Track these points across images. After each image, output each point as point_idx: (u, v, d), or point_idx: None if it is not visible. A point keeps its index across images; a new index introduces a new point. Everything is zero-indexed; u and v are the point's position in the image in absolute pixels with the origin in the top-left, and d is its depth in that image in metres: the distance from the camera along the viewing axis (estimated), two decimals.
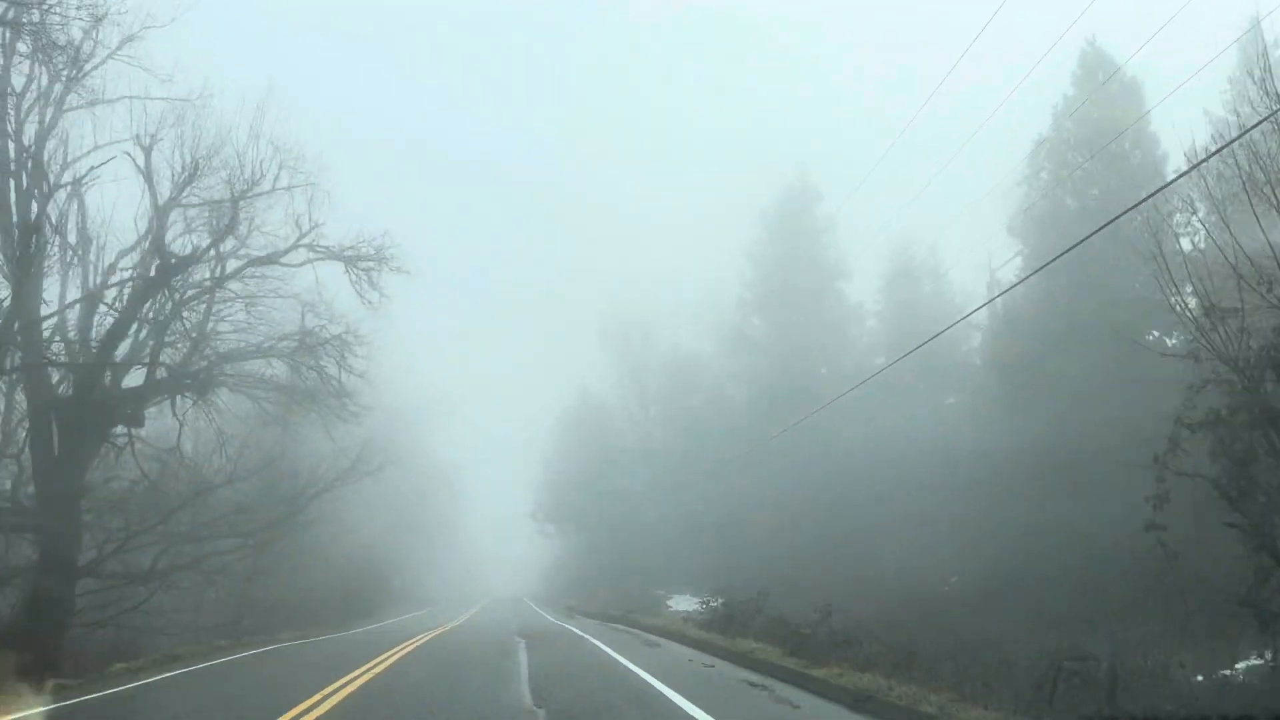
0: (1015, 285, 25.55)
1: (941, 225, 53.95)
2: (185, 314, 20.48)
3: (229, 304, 22.28)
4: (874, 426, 49.92)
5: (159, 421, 23.06)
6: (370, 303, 21.86)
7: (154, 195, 19.11)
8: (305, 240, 21.49)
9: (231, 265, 21.28)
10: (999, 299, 34.53)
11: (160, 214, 19.09)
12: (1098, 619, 30.33)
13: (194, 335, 20.77)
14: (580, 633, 21.98)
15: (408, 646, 17.38)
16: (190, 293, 20.78)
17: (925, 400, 46.98)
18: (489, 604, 54.10)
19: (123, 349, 19.28)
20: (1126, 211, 19.44)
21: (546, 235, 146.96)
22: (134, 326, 19.22)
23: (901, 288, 47.14)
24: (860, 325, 51.41)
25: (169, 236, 19.43)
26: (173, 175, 19.04)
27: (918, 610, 36.00)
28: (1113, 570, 29.86)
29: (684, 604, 49.08)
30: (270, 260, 21.44)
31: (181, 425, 21.73)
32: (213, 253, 20.35)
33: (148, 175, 18.89)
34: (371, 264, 21.52)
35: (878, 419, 50.19)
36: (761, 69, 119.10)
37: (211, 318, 22.05)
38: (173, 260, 18.63)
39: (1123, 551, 29.50)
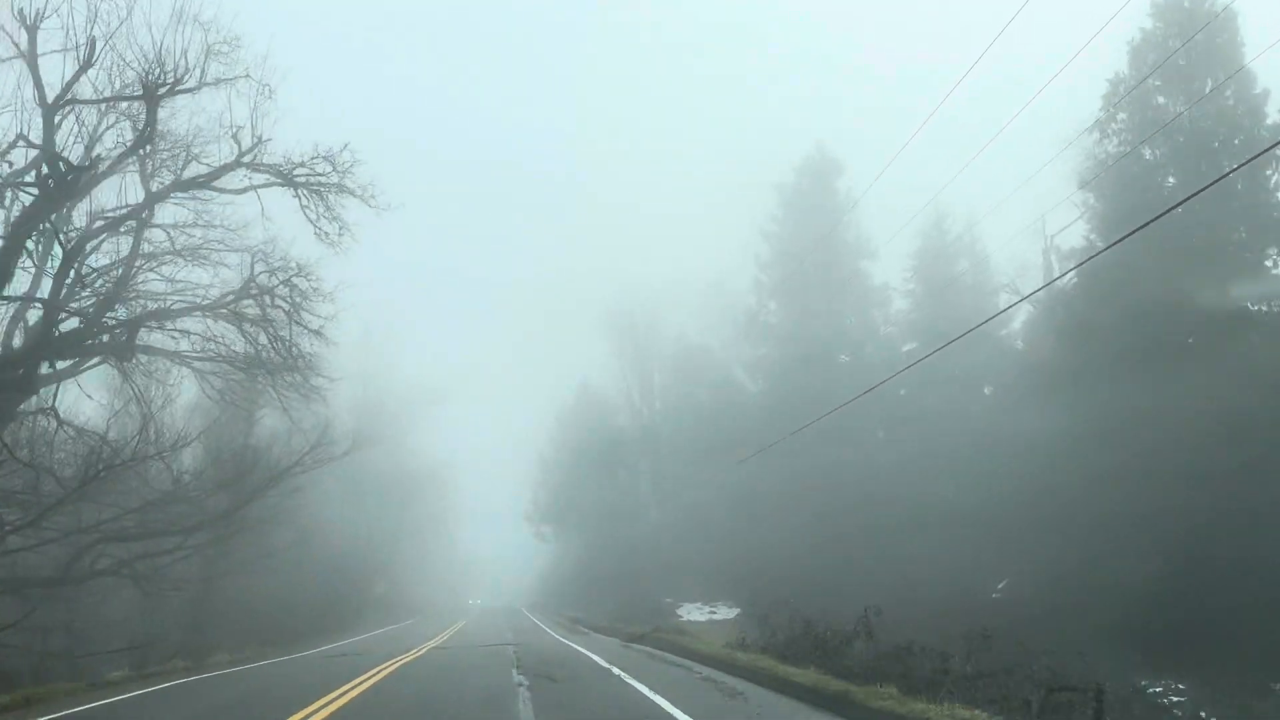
0: (1106, 250, 21.39)
1: (982, 195, 49.77)
2: (90, 252, 16.27)
3: (157, 258, 18.10)
4: (903, 418, 46.02)
5: (89, 402, 19.04)
6: (328, 237, 17.58)
7: (40, 89, 14.90)
8: (246, 158, 17.19)
9: (155, 189, 16.94)
10: (1063, 272, 30.48)
11: (48, 113, 14.86)
12: (1185, 639, 26.29)
13: (106, 283, 16.55)
14: (605, 664, 16.34)
15: (351, 690, 12.43)
16: (99, 224, 16.57)
17: (961, 390, 42.97)
18: (481, 615, 49.87)
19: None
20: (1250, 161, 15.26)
21: (547, 227, 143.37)
22: (19, 259, 14.90)
23: (934, 266, 43.12)
24: (886, 309, 47.35)
25: (63, 142, 15.14)
26: (64, 66, 14.76)
27: (962, 621, 31.27)
28: (1208, 579, 25.84)
29: (695, 613, 45.04)
30: (202, 183, 17.20)
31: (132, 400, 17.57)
32: (130, 167, 16.07)
33: (32, 62, 14.67)
34: (327, 185, 17.21)
35: (907, 410, 46.27)
36: (772, 60, 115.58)
37: (137, 265, 17.81)
38: (66, 175, 14.38)
39: (1223, 558, 25.53)
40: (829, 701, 9.85)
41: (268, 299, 17.42)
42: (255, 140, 16.82)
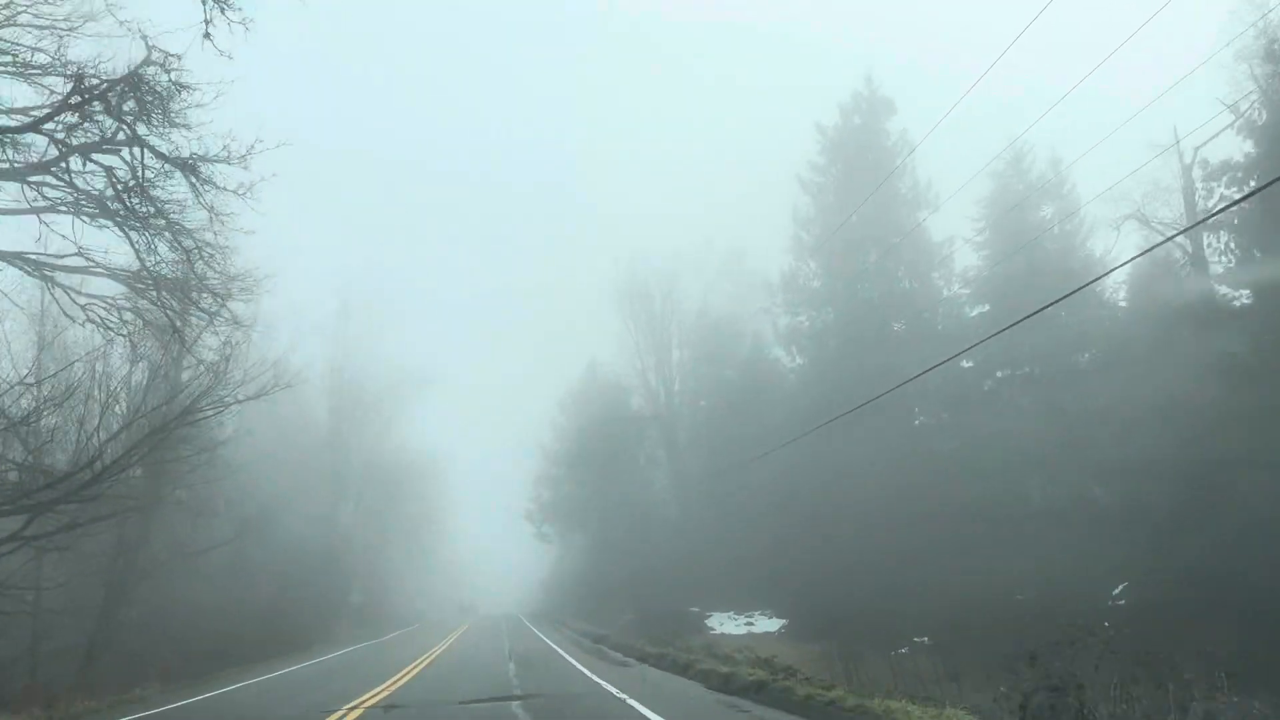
0: None
1: (1073, 125, 43.28)
2: None
3: None
4: (969, 398, 39.58)
5: None
6: None
7: None
8: None
9: None
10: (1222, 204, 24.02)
11: None
12: None
13: None
14: None
15: None
16: None
17: (1048, 361, 36.52)
18: (475, 628, 43.22)
19: None
20: None
21: (553, 195, 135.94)
22: None
23: (1010, 213, 36.63)
24: (948, 268, 40.92)
25: None
26: None
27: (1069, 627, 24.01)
28: None
29: (729, 624, 38.56)
30: None
31: None
32: None
33: None
34: None
35: (974, 388, 39.84)
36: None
37: None
38: None
39: None
40: None
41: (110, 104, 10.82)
42: None
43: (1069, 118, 33.75)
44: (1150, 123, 32.19)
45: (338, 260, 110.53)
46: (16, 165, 11.54)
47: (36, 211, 12.31)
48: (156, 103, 10.97)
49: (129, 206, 11.84)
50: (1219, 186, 25.55)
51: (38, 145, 11.65)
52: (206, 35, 9.74)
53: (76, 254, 12.95)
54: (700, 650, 27.23)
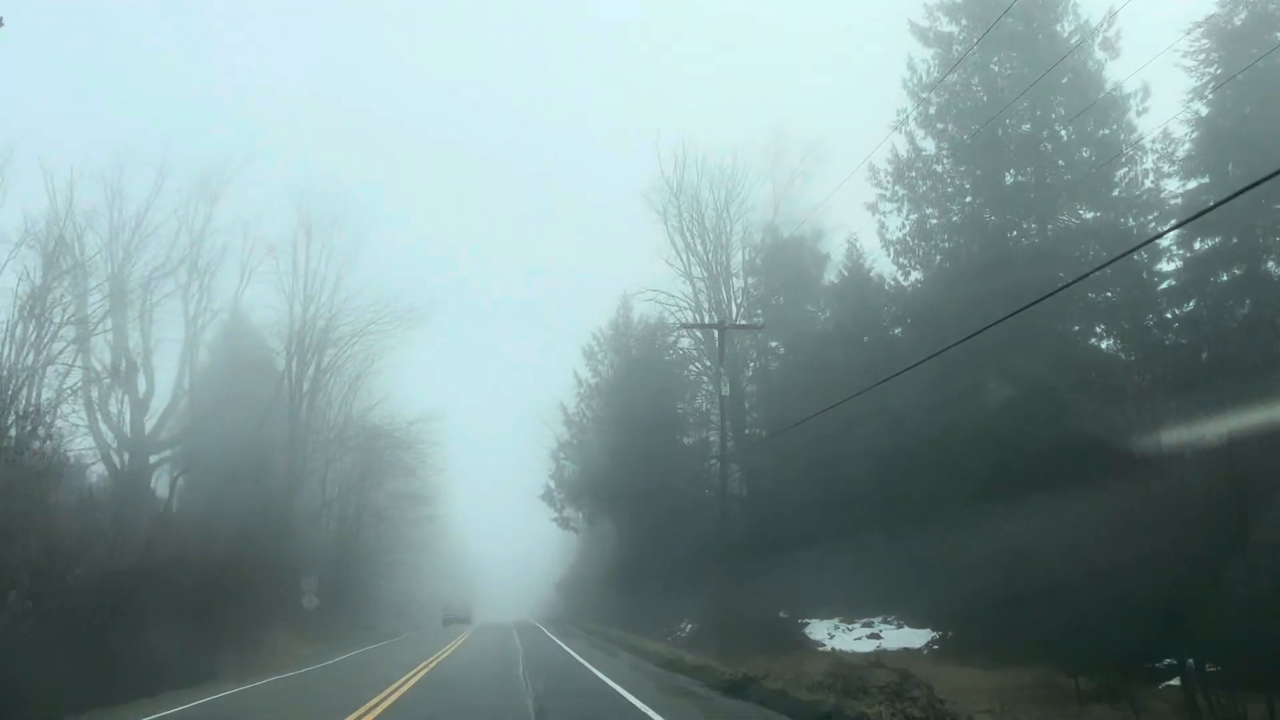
0: None
1: None
2: None
3: None
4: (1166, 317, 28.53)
5: None
6: None
7: None
8: None
9: None
10: None
11: None
12: None
13: None
14: None
15: None
16: None
17: None
18: (472, 646, 31.32)
19: None
20: None
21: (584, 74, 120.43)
22: None
23: (1245, 42, 25.47)
24: (1130, 132, 29.71)
25: None
26: None
27: None
28: None
29: (841, 636, 27.59)
30: None
31: None
32: None
33: None
34: None
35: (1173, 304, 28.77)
36: None
37: None
38: None
39: None
40: None
41: None
42: None
43: None
44: None
45: (301, 164, 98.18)
46: None
47: None
48: None
49: None
50: None
51: None
52: None
53: None
54: (833, 679, 16.61)
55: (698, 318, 39.21)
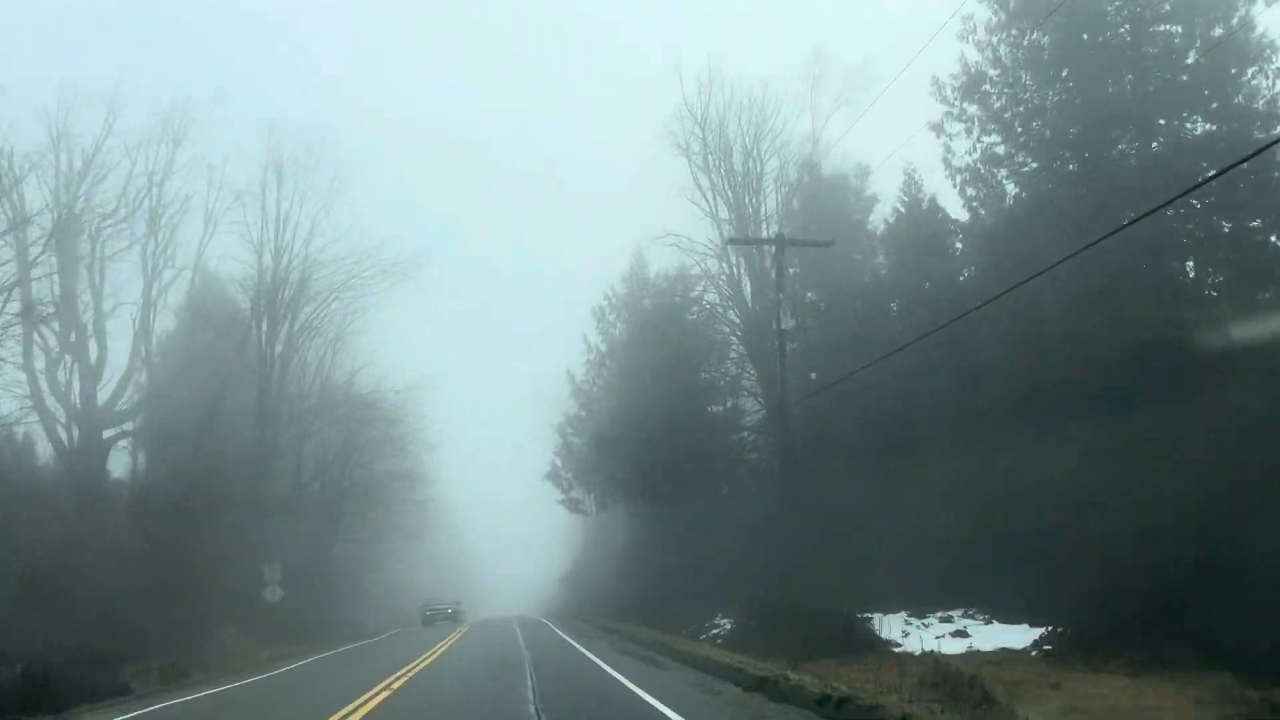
0: None
1: None
2: None
3: None
4: None
5: None
6: None
7: None
8: None
9: None
10: None
11: None
12: None
13: None
14: None
15: None
16: None
17: None
18: (458, 650, 25.96)
19: None
20: None
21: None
22: None
23: None
24: (1250, 31, 24.84)
25: None
26: None
27: None
28: None
29: (920, 635, 22.90)
30: None
31: None
32: None
33: None
34: None
35: None
36: None
37: None
38: None
39: None
40: None
41: None
42: None
43: None
44: None
45: (276, 104, 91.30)
46: None
47: None
48: None
49: None
50: None
51: None
52: None
53: None
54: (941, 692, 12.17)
55: (725, 268, 34.46)
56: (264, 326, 35.35)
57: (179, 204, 36.40)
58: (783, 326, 18.94)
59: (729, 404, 35.49)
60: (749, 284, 34.84)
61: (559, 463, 46.03)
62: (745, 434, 35.11)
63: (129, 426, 37.41)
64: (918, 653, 20.93)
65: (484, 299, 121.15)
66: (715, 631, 25.35)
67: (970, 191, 29.69)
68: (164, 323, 38.36)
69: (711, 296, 35.64)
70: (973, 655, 20.05)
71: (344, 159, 66.25)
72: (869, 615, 24.03)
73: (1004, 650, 20.07)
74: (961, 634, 21.85)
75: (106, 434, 37.04)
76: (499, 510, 76.44)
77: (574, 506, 46.70)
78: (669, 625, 29.12)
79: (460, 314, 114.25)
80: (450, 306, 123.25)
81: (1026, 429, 23.51)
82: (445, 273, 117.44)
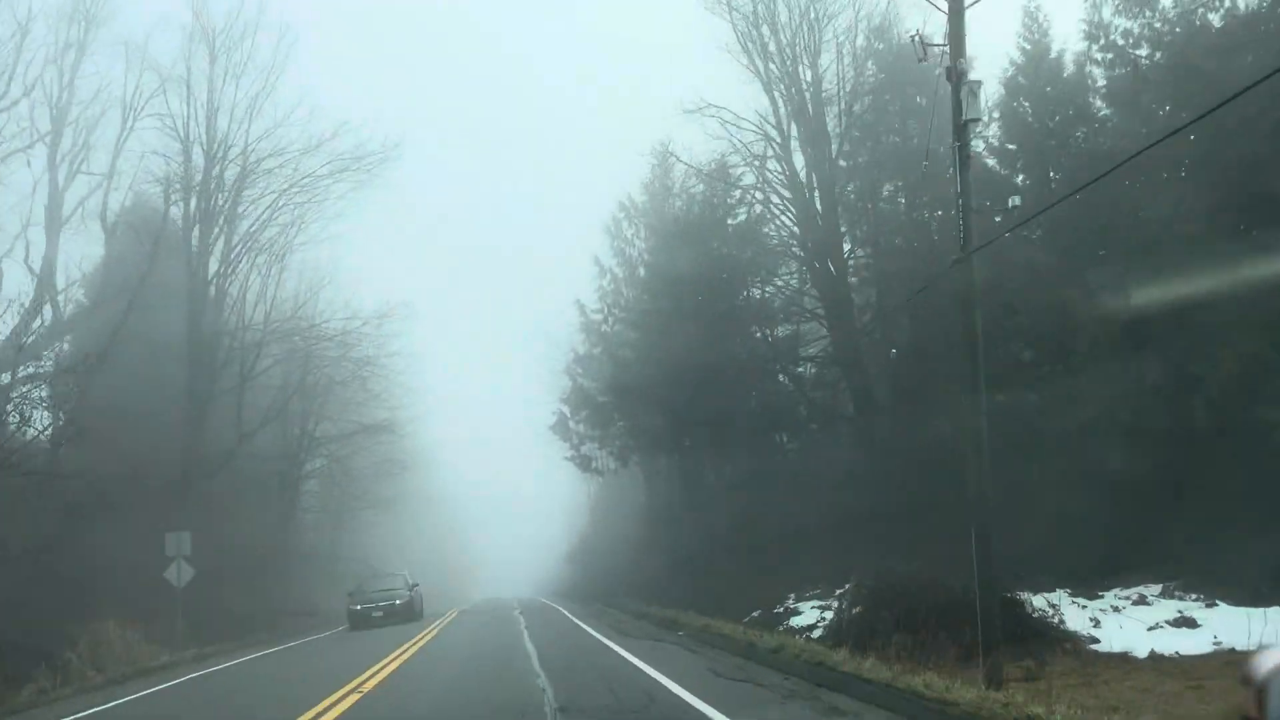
0: None
1: None
2: None
3: None
4: None
5: None
6: None
7: None
8: None
9: None
10: None
11: None
12: None
13: None
14: None
15: None
16: None
17: None
18: (430, 651, 18.75)
19: None
20: None
21: None
22: None
23: None
24: None
25: None
26: None
27: None
28: None
29: (1116, 624, 16.08)
30: None
31: None
32: None
33: None
34: None
35: None
36: None
37: None
38: None
39: None
40: None
41: None
42: None
43: None
44: None
45: None
46: None
47: None
48: None
49: None
50: None
51: None
52: None
53: None
54: None
55: (777, 151, 27.27)
56: (194, 236, 28.17)
57: (96, 100, 29.27)
58: (966, 116, 11.70)
59: (781, 330, 28.47)
60: (807, 185, 27.71)
61: (567, 411, 38.85)
62: (807, 368, 28.16)
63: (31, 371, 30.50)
64: (1139, 654, 14.16)
65: (471, 214, 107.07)
66: (801, 620, 18.47)
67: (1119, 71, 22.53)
68: (78, 244, 31.41)
69: (764, 204, 28.44)
70: (1221, 654, 13.28)
71: (293, 21, 57.77)
72: (1016, 594, 17.18)
73: (1259, 646, 13.24)
74: (1187, 623, 14.98)
75: (3, 378, 30.17)
76: (494, 475, 69.64)
77: (585, 465, 39.49)
78: (717, 609, 22.29)
79: (442, 234, 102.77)
80: (429, 225, 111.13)
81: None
82: (422, 179, 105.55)
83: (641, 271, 34.81)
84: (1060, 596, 17.48)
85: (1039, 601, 16.81)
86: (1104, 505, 18.85)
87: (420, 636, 21.92)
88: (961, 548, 19.93)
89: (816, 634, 16.71)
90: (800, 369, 28.06)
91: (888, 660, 12.14)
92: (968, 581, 16.70)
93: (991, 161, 23.93)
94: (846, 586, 17.45)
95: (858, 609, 16.40)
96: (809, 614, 19.18)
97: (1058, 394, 21.47)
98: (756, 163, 27.41)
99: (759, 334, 27.97)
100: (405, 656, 17.50)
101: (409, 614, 29.01)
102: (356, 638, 24.71)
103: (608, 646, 16.94)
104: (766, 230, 28.34)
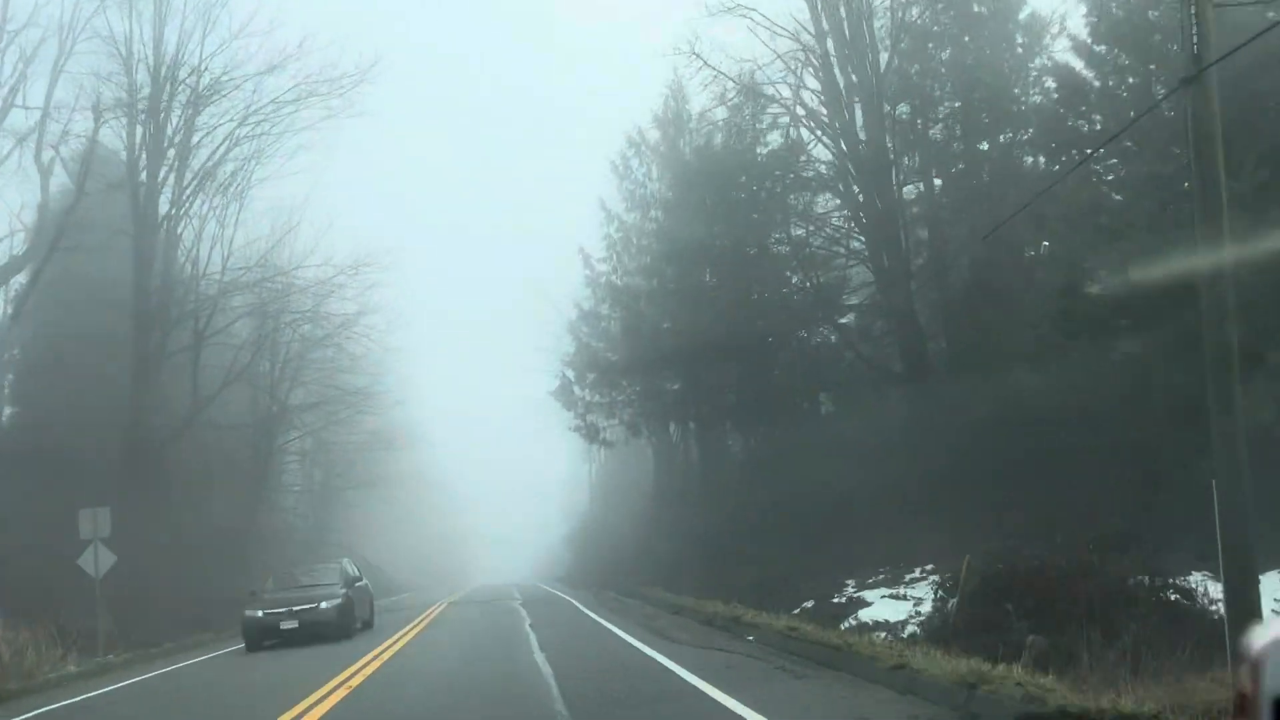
0: None
1: None
2: None
3: None
4: None
5: None
6: None
7: None
8: None
9: None
10: None
11: None
12: None
13: None
14: None
15: None
16: None
17: None
18: (401, 674, 13.05)
19: None
20: None
21: None
22: None
23: None
24: None
25: None
26: None
27: None
28: None
29: None
30: None
31: None
32: None
33: None
34: None
35: None
36: None
37: None
38: None
39: None
40: None
41: None
42: None
43: None
44: None
45: None
46: None
47: None
48: None
49: None
50: None
51: None
52: None
53: None
54: None
55: (815, 63, 23.58)
56: (142, 168, 24.36)
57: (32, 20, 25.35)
58: None
59: (821, 277, 24.88)
60: (852, 102, 24.02)
61: (571, 376, 35.12)
62: (851, 317, 24.63)
63: None
64: None
65: (458, 151, 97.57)
66: (874, 614, 14.96)
67: None
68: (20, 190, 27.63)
69: (798, 125, 24.75)
70: None
71: None
72: (1161, 578, 13.71)
73: None
74: None
75: None
76: (487, 453, 66.02)
77: (592, 435, 35.74)
78: (760, 600, 18.78)
79: (427, 176, 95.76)
80: (413, 166, 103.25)
81: None
82: (402, 112, 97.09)
83: (656, 214, 31.09)
84: (1201, 577, 14.07)
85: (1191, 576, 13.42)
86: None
87: (360, 664, 13.44)
88: (1060, 520, 16.55)
89: (909, 632, 13.21)
90: (844, 320, 24.55)
91: (1081, 680, 8.55)
92: (1119, 567, 13.28)
93: (1079, 64, 20.33)
94: (937, 574, 13.96)
95: (957, 601, 12.90)
96: (881, 605, 15.68)
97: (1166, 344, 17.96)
98: (793, 78, 23.74)
99: (795, 279, 24.42)
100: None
101: (341, 626, 18.33)
102: (240, 668, 16.07)
103: (668, 669, 10.93)
104: (802, 160, 24.70)
